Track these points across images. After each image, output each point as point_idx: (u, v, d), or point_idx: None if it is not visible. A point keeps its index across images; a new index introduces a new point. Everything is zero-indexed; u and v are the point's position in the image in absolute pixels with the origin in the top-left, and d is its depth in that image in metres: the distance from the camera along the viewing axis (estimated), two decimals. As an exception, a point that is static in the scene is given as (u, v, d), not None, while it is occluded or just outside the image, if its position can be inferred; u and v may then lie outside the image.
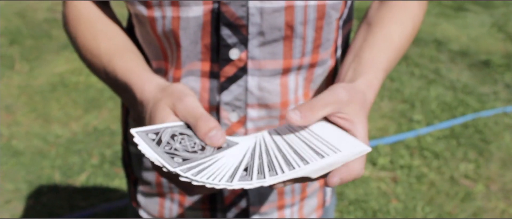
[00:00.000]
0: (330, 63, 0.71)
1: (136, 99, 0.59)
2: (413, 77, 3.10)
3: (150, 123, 0.55)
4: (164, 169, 0.47)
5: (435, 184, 2.18)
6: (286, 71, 0.67)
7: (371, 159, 2.30)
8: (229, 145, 0.53)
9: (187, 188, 0.53)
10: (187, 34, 0.63)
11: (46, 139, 2.44)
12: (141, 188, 0.81)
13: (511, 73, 3.20)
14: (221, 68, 0.65)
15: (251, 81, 0.66)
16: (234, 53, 0.64)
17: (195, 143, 0.50)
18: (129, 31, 0.73)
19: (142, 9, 0.63)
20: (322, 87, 0.72)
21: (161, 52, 0.68)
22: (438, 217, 2.00)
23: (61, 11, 0.74)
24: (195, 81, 0.67)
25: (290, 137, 0.53)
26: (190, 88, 0.67)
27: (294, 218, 0.80)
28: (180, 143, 0.50)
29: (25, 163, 2.27)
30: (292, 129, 0.54)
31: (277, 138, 0.54)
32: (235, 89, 0.66)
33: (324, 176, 0.50)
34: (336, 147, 0.49)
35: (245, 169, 0.48)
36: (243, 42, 0.63)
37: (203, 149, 0.50)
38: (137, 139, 0.48)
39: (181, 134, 0.51)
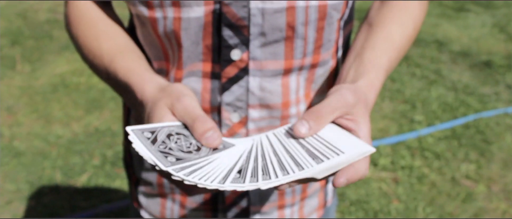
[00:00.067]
0: (331, 63, 0.71)
1: (137, 99, 0.60)
2: (414, 78, 3.10)
3: (148, 122, 0.55)
4: (156, 168, 0.47)
5: (436, 184, 2.18)
6: (287, 71, 0.67)
7: (372, 160, 2.30)
8: (225, 147, 0.53)
9: (187, 187, 0.53)
10: (188, 35, 0.63)
11: (47, 139, 2.45)
12: (142, 188, 0.81)
13: (512, 74, 3.20)
14: (223, 69, 0.65)
15: (253, 82, 0.66)
16: (235, 54, 0.64)
17: (191, 143, 0.50)
18: (131, 32, 0.73)
19: (144, 10, 0.63)
20: (323, 87, 0.72)
21: (163, 53, 0.68)
22: (439, 217, 2.00)
23: (63, 11, 0.74)
24: (197, 82, 0.67)
25: (289, 141, 0.53)
26: (192, 89, 0.67)
27: (294, 218, 0.80)
28: (176, 142, 0.50)
29: (26, 163, 2.27)
30: (293, 132, 0.54)
31: (275, 141, 0.54)
32: (236, 90, 0.66)
33: (328, 177, 0.50)
34: (341, 148, 0.49)
35: (239, 171, 0.48)
36: (245, 43, 0.63)
37: (198, 149, 0.50)
38: (131, 137, 0.48)
39: (177, 133, 0.51)
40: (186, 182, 0.45)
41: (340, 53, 0.73)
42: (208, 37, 0.63)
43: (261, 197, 0.77)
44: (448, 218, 2.00)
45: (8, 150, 2.36)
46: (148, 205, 0.81)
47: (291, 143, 0.52)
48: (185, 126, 0.53)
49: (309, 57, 0.67)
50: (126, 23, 0.75)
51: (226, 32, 0.62)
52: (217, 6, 0.61)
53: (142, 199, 0.82)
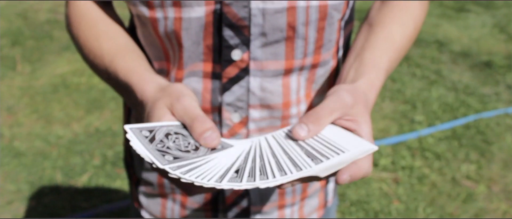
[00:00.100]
0: (332, 63, 0.71)
1: (137, 99, 0.60)
2: (414, 78, 3.10)
3: (147, 122, 0.55)
4: (153, 165, 0.47)
5: (437, 185, 2.17)
6: (288, 72, 0.67)
7: (372, 160, 2.29)
8: (224, 147, 0.53)
9: (186, 187, 0.53)
10: (189, 35, 0.63)
11: (47, 139, 2.45)
12: (143, 188, 0.81)
13: (512, 74, 3.20)
14: (223, 69, 0.65)
15: (253, 82, 0.66)
16: (236, 54, 0.64)
17: (189, 143, 0.51)
18: (131, 32, 0.73)
19: (144, 10, 0.63)
20: (324, 87, 0.72)
21: (163, 53, 0.68)
22: (440, 218, 2.00)
23: (64, 12, 0.74)
24: (197, 82, 0.67)
25: (288, 143, 0.53)
26: (192, 89, 0.67)
27: (294, 218, 0.81)
28: (174, 141, 0.50)
29: (27, 163, 2.27)
30: (292, 135, 0.54)
31: (274, 143, 0.54)
32: (237, 90, 0.66)
33: (332, 175, 0.50)
34: (343, 147, 0.49)
35: (236, 171, 0.48)
36: (245, 43, 0.63)
37: (196, 149, 0.50)
38: (129, 135, 0.49)
39: (176, 133, 0.51)
40: (182, 180, 0.45)
41: (340, 53, 0.73)
42: (209, 37, 0.63)
43: (261, 197, 0.77)
44: (449, 219, 2.00)
45: (9, 150, 2.36)
46: (149, 205, 0.81)
47: (289, 145, 0.52)
48: (184, 126, 0.53)
49: (309, 58, 0.67)
50: (126, 23, 0.75)
51: (227, 32, 0.62)
52: (218, 6, 0.61)
53: (142, 199, 0.82)
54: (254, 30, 0.62)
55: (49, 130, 2.53)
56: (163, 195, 0.79)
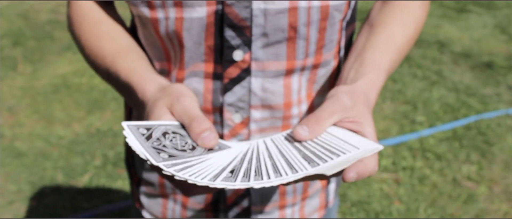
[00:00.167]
0: (333, 64, 0.71)
1: (138, 99, 0.60)
2: (415, 79, 3.10)
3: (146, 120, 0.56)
4: (148, 162, 0.47)
5: (438, 185, 2.17)
6: (289, 72, 0.67)
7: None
8: (221, 148, 0.53)
9: (183, 187, 0.53)
10: (190, 35, 0.63)
11: (48, 140, 2.45)
12: (144, 189, 0.81)
13: (513, 75, 3.19)
14: (225, 70, 0.65)
15: (255, 82, 0.66)
16: (237, 55, 0.64)
17: (186, 143, 0.51)
18: (132, 32, 0.73)
19: (145, 11, 0.63)
20: (325, 88, 0.72)
21: (164, 54, 0.68)
22: (441, 218, 2.00)
23: (66, 12, 0.74)
24: (199, 83, 0.67)
25: (286, 146, 0.53)
26: (194, 89, 0.67)
27: (295, 218, 0.81)
28: (171, 140, 0.50)
29: (28, 164, 2.28)
30: (293, 136, 0.54)
31: (272, 146, 0.54)
32: (238, 90, 0.66)
33: (338, 174, 0.50)
34: (348, 147, 0.49)
35: (231, 171, 0.48)
36: (247, 43, 0.63)
37: (193, 149, 0.50)
38: (126, 132, 0.49)
39: (173, 132, 0.51)
40: (176, 178, 0.45)
41: (342, 53, 0.73)
42: (210, 37, 0.63)
43: (262, 197, 0.77)
44: (450, 219, 2.00)
45: (10, 151, 2.36)
46: (150, 205, 0.81)
47: (287, 148, 0.52)
48: (183, 126, 0.53)
49: (311, 58, 0.67)
50: (127, 24, 0.76)
51: (228, 33, 0.62)
52: (220, 6, 0.61)
53: (143, 199, 0.82)
54: (256, 31, 0.62)
55: (50, 130, 2.53)
56: (164, 195, 0.79)
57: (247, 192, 0.76)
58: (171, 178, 0.51)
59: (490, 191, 2.15)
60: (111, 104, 2.75)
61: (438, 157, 2.35)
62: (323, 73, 0.70)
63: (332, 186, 0.84)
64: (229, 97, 0.67)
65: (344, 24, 0.69)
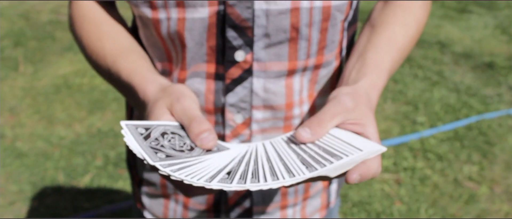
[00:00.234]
0: (335, 64, 0.71)
1: (139, 100, 0.60)
2: (416, 79, 3.10)
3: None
4: (144, 162, 0.47)
5: (439, 186, 2.17)
6: (291, 72, 0.67)
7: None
8: (220, 150, 0.53)
9: (182, 188, 0.53)
10: (192, 36, 0.63)
11: (50, 140, 2.45)
12: (145, 189, 0.81)
13: (515, 75, 3.19)
14: (227, 70, 0.65)
15: (256, 83, 0.66)
16: (239, 55, 0.64)
17: (184, 143, 0.51)
18: (133, 33, 0.73)
19: (147, 11, 0.63)
20: (327, 88, 0.72)
21: (165, 54, 0.68)
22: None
23: (67, 12, 0.74)
24: (200, 83, 0.67)
25: (285, 149, 0.53)
26: (195, 89, 0.67)
27: (296, 218, 0.81)
28: (169, 141, 0.50)
29: (29, 164, 2.28)
30: (295, 138, 0.54)
31: (270, 149, 0.54)
32: (240, 91, 0.66)
33: (342, 176, 0.50)
34: (351, 148, 0.49)
35: (228, 173, 0.48)
36: (249, 44, 0.63)
37: (191, 149, 0.50)
38: (124, 131, 0.49)
39: (172, 133, 0.51)
40: (172, 178, 0.45)
41: (344, 54, 0.73)
42: (212, 38, 0.63)
43: (264, 197, 0.77)
44: (451, 220, 2.00)
45: (11, 151, 2.36)
46: (151, 205, 0.81)
47: (286, 151, 0.52)
48: (182, 127, 0.53)
49: (312, 58, 0.67)
50: (129, 24, 0.76)
51: (230, 33, 0.62)
52: (222, 7, 0.61)
53: (145, 199, 0.82)
54: (258, 31, 0.62)
55: (51, 130, 2.53)
56: (165, 196, 0.79)
57: (248, 193, 0.76)
58: (170, 178, 0.51)
59: (491, 191, 2.14)
60: (112, 105, 2.75)
61: (439, 157, 2.35)
62: (325, 74, 0.70)
63: (334, 186, 0.84)
64: (231, 98, 0.67)
65: (346, 24, 0.69)
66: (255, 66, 0.65)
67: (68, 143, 2.43)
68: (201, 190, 0.52)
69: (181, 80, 0.67)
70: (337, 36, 0.68)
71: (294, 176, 0.46)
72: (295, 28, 0.63)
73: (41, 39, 3.60)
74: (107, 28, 0.68)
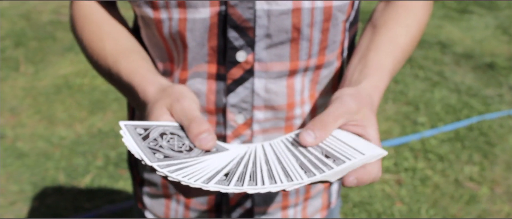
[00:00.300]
0: (336, 65, 0.71)
1: (140, 100, 0.60)
2: (417, 80, 3.10)
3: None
4: (142, 162, 0.47)
5: (440, 186, 2.17)
6: (292, 73, 0.67)
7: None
8: (218, 151, 0.53)
9: (181, 189, 0.53)
10: (193, 36, 0.63)
11: (50, 140, 2.45)
12: (146, 189, 0.81)
13: (515, 76, 3.19)
14: (228, 71, 0.65)
15: (258, 83, 0.66)
16: (241, 56, 0.64)
17: (183, 144, 0.51)
18: (135, 33, 0.73)
19: (148, 11, 0.63)
20: (328, 88, 0.72)
21: (167, 54, 0.68)
22: (443, 219, 2.00)
23: (69, 12, 0.74)
24: (202, 83, 0.67)
25: (284, 152, 0.52)
26: (196, 90, 0.67)
27: (297, 218, 0.81)
28: (168, 141, 0.50)
29: (30, 164, 2.28)
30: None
31: (269, 151, 0.53)
32: (241, 91, 0.66)
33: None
34: (351, 153, 0.49)
35: (226, 174, 0.47)
36: (250, 44, 0.63)
37: (190, 150, 0.50)
38: (122, 131, 0.49)
39: (172, 133, 0.51)
40: (169, 178, 0.45)
41: (345, 54, 0.73)
42: (214, 38, 0.63)
43: (265, 198, 0.77)
44: (452, 220, 1.99)
45: (12, 151, 2.36)
46: (153, 205, 0.81)
47: (285, 154, 0.52)
48: (181, 128, 0.53)
49: (314, 59, 0.67)
50: (130, 25, 0.76)
51: (232, 34, 0.62)
52: (223, 7, 0.61)
53: (146, 199, 0.82)
54: (259, 32, 0.62)
55: (52, 130, 2.53)
56: (167, 196, 0.79)
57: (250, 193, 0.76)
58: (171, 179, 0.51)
59: (492, 192, 2.14)
60: (113, 105, 2.75)
61: (440, 157, 2.35)
62: (326, 74, 0.70)
63: (335, 187, 0.84)
64: (232, 98, 0.67)
65: (347, 25, 0.69)
66: (257, 67, 0.65)
67: (68, 143, 2.43)
68: (199, 191, 0.52)
69: (183, 81, 0.67)
70: (338, 36, 0.68)
71: (292, 180, 0.46)
72: (297, 29, 0.63)
73: (42, 39, 3.60)
74: (108, 29, 0.68)
